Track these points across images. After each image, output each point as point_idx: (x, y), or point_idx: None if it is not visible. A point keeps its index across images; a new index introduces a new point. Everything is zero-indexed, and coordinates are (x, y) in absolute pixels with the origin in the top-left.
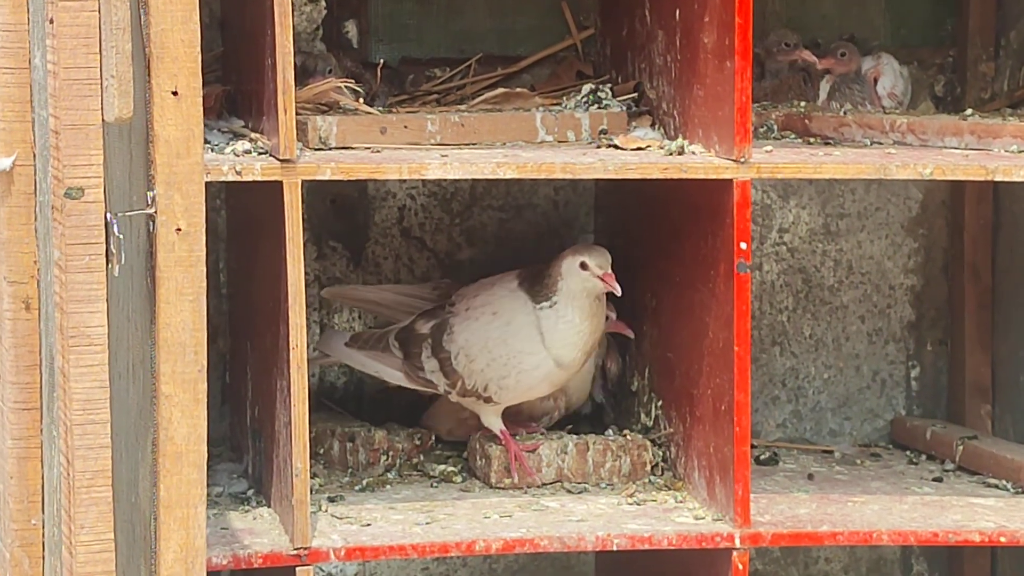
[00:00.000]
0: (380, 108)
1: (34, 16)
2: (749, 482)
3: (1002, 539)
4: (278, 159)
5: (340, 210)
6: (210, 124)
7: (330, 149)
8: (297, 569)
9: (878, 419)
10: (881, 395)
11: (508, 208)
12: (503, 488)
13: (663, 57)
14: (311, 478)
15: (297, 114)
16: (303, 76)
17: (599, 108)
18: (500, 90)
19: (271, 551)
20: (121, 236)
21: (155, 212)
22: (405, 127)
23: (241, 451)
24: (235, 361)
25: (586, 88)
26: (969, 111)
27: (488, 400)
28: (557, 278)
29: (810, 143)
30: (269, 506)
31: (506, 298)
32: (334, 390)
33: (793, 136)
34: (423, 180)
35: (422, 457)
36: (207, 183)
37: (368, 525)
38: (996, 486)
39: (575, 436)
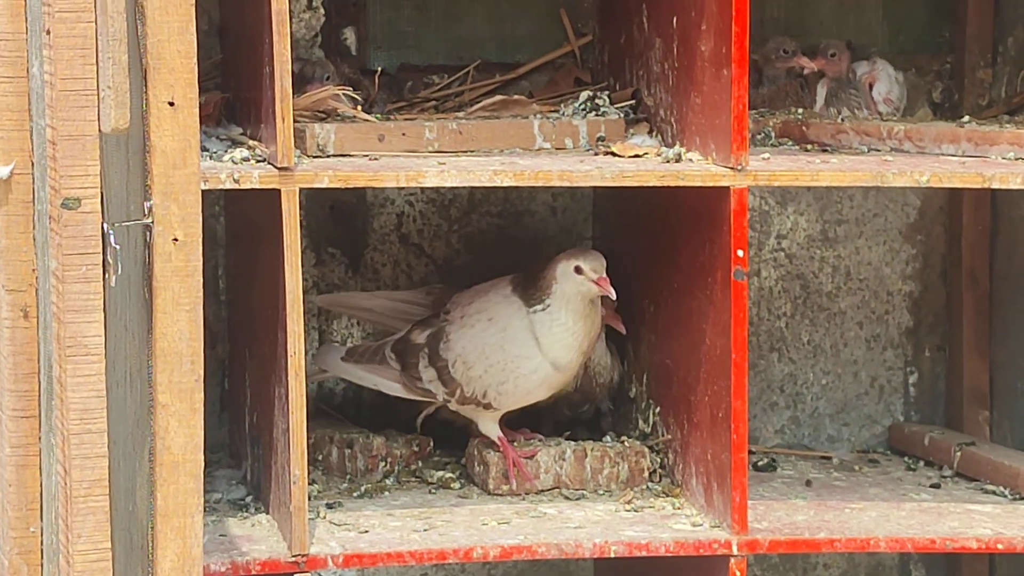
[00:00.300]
0: (378, 115)
1: (32, 26)
2: (747, 489)
3: (999, 546)
4: (276, 167)
5: (339, 217)
6: (208, 131)
7: (328, 157)
8: None
9: (876, 425)
10: (879, 401)
11: (506, 215)
12: (501, 495)
13: (660, 64)
14: (309, 484)
15: (295, 121)
16: (301, 83)
17: (597, 115)
18: (498, 97)
19: (269, 558)
20: (118, 247)
21: (152, 222)
22: (403, 134)
23: (240, 457)
24: (234, 367)
25: (584, 95)
26: (966, 118)
27: (487, 407)
28: (551, 281)
29: (807, 150)
30: (267, 513)
31: (500, 304)
32: (333, 396)
33: (790, 143)
34: (421, 187)
35: (420, 463)
36: (206, 190)
37: (366, 532)
38: (994, 492)
39: (573, 443)
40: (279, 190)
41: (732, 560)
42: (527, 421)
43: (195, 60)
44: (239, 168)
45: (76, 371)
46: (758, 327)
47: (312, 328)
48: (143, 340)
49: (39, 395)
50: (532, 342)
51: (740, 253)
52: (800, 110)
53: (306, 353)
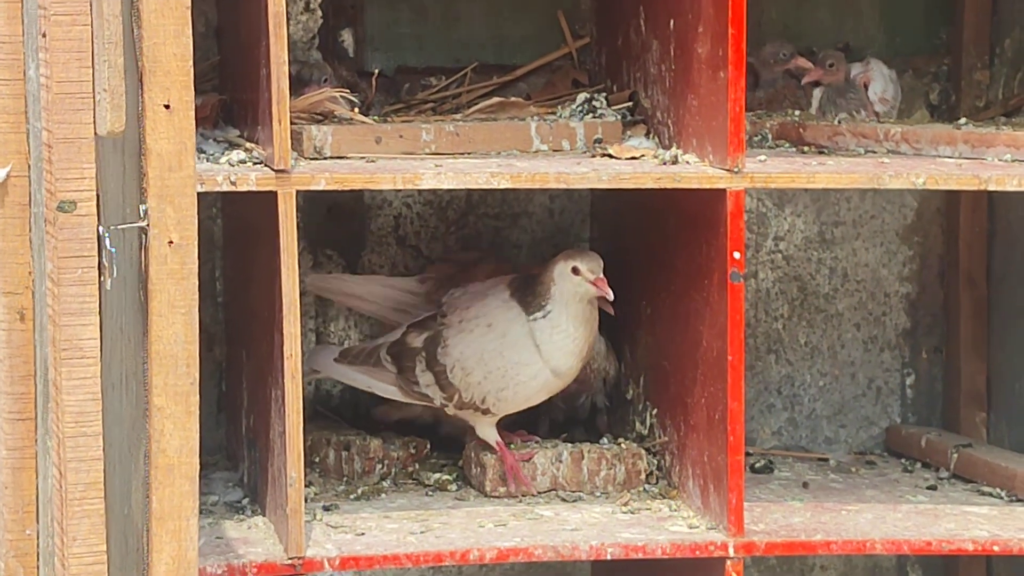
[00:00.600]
0: (376, 117)
1: (28, 28)
2: (743, 491)
3: (995, 548)
4: (273, 169)
5: (336, 218)
6: (206, 133)
7: (325, 159)
8: None
9: (873, 427)
10: (876, 403)
11: (504, 216)
12: (498, 497)
13: (658, 67)
14: (306, 486)
15: (292, 123)
16: (299, 85)
17: (594, 117)
18: (495, 99)
19: (265, 560)
20: (113, 250)
21: (147, 225)
22: (400, 136)
23: (237, 460)
24: (231, 369)
25: (581, 97)
26: (963, 120)
27: (486, 412)
28: (550, 284)
29: (804, 152)
30: (264, 515)
31: (499, 309)
32: (330, 398)
33: (787, 145)
34: (418, 189)
35: (417, 466)
36: (203, 192)
37: (363, 534)
38: (990, 494)
39: (570, 444)
40: (276, 192)
41: (728, 562)
42: (523, 419)
43: (191, 63)
44: (236, 170)
45: (71, 374)
46: (755, 328)
47: (309, 330)
48: (139, 343)
49: (35, 398)
50: (533, 349)
51: (737, 255)
52: (797, 112)
53: (303, 356)
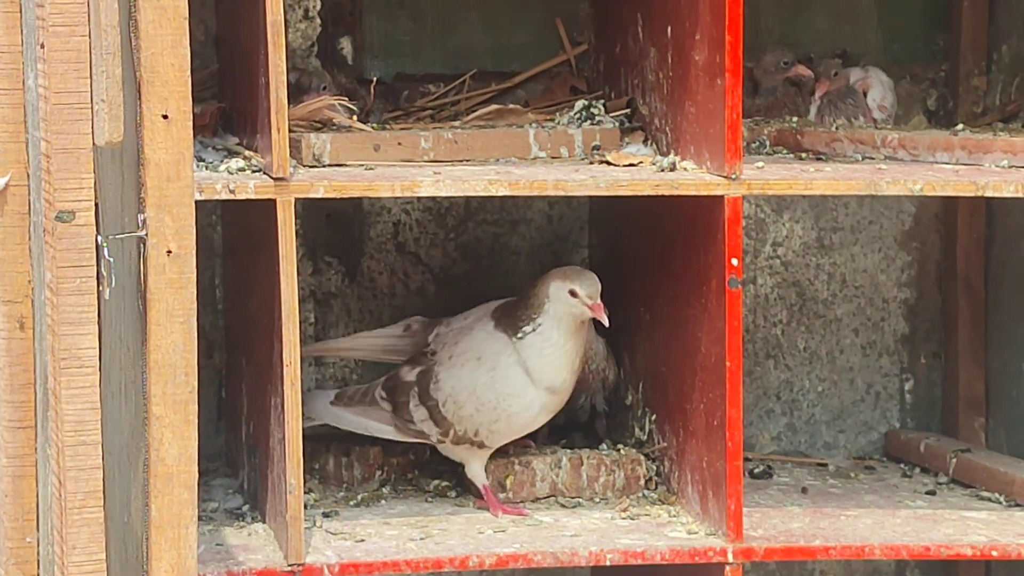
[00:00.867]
0: (374, 124)
1: (27, 38)
2: (742, 497)
3: (994, 553)
4: (272, 177)
5: (335, 225)
6: (205, 141)
7: (324, 166)
8: None
9: (872, 432)
10: (875, 408)
11: (502, 223)
12: None
13: (655, 74)
14: (306, 493)
15: (291, 131)
16: (298, 93)
17: (592, 124)
18: (494, 106)
19: (265, 568)
20: (112, 259)
21: (146, 235)
22: (399, 144)
23: (237, 466)
24: (231, 376)
25: (579, 104)
26: (960, 126)
27: (481, 445)
28: (543, 299)
29: (802, 158)
30: (264, 522)
31: (486, 341)
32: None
33: (785, 151)
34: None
35: (417, 472)
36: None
37: (362, 541)
38: (989, 499)
39: (569, 450)
40: (274, 200)
41: (728, 568)
42: None
43: (188, 73)
44: (235, 178)
45: (70, 383)
46: (754, 334)
47: (308, 336)
48: (137, 352)
49: (35, 406)
50: (522, 377)
51: (735, 262)
52: (795, 119)
53: (302, 362)
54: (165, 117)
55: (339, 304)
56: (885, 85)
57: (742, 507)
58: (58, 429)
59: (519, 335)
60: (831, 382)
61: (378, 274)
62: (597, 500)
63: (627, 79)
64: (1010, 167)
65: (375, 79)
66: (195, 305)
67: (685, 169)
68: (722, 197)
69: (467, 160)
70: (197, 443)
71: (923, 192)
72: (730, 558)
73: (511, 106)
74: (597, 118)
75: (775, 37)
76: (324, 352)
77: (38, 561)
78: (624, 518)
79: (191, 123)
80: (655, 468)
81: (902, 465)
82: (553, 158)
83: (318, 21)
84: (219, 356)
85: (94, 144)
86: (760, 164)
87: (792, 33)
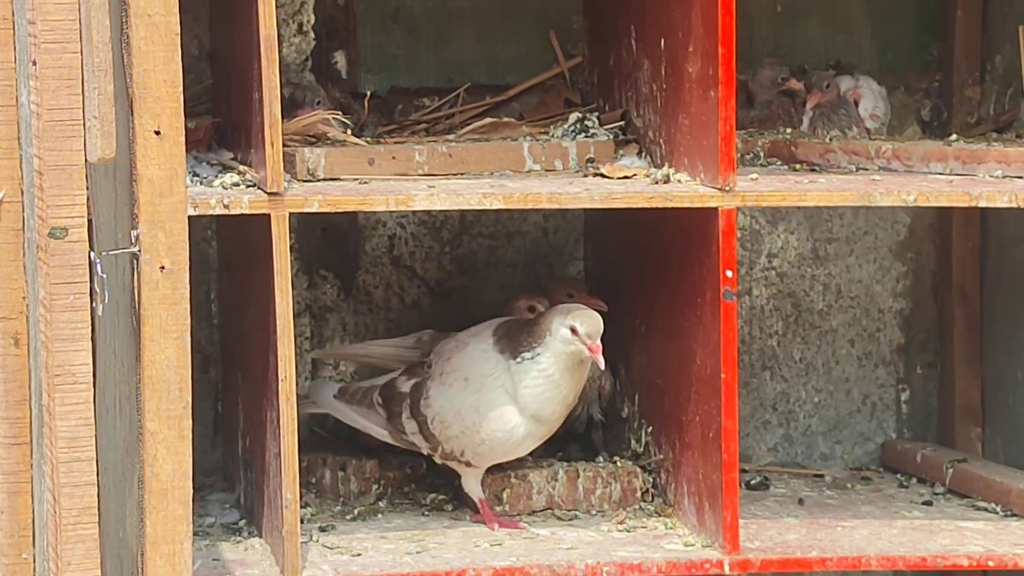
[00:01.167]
0: (369, 138)
1: (20, 55)
2: (738, 508)
3: (990, 563)
4: (266, 192)
5: (331, 239)
6: (199, 156)
7: (318, 181)
8: None
9: (869, 442)
10: (871, 418)
11: (498, 236)
12: None
13: (649, 86)
14: (303, 507)
15: (285, 145)
16: (292, 107)
17: (586, 137)
18: (488, 119)
19: None
20: (105, 276)
21: (139, 251)
22: (393, 158)
23: (233, 481)
24: (227, 391)
25: (573, 117)
26: (954, 136)
27: (468, 464)
28: (545, 332)
29: (796, 170)
30: (261, 536)
31: (478, 360)
32: (327, 419)
33: (779, 163)
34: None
35: (413, 486)
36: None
37: (359, 555)
38: (985, 509)
39: (565, 463)
40: (269, 215)
41: None
42: None
43: (181, 89)
44: (229, 193)
45: (64, 399)
46: (750, 345)
47: (305, 351)
48: (131, 368)
49: (31, 422)
50: (507, 402)
51: (729, 273)
52: (788, 130)
53: (298, 375)
54: (157, 133)
55: (335, 318)
56: (876, 94)
57: (738, 519)
58: (52, 445)
59: (518, 359)
60: (827, 393)
61: (374, 288)
62: (593, 513)
63: (621, 91)
64: (1004, 177)
65: (369, 93)
66: (188, 321)
67: (679, 181)
68: (716, 209)
69: (462, 173)
70: (192, 458)
71: (917, 203)
72: (727, 570)
73: (505, 119)
74: (591, 131)
75: (769, 47)
76: (335, 356)
77: None
78: (621, 530)
79: (184, 139)
80: (651, 480)
81: (898, 475)
82: (547, 171)
83: (312, 35)
84: (215, 371)
85: (87, 160)
86: (754, 176)
87: (786, 43)
